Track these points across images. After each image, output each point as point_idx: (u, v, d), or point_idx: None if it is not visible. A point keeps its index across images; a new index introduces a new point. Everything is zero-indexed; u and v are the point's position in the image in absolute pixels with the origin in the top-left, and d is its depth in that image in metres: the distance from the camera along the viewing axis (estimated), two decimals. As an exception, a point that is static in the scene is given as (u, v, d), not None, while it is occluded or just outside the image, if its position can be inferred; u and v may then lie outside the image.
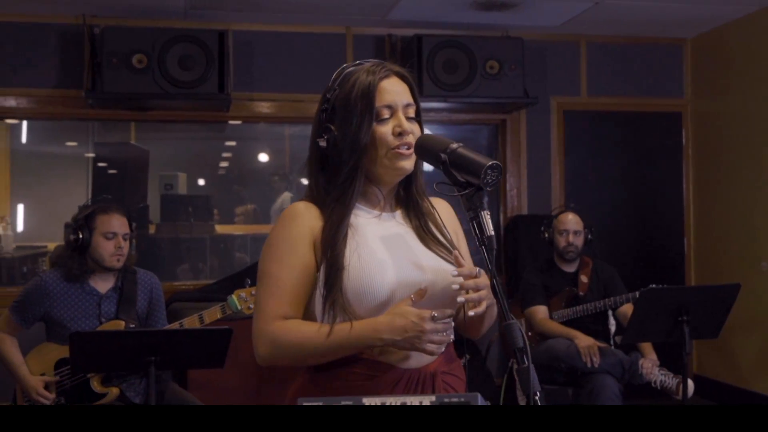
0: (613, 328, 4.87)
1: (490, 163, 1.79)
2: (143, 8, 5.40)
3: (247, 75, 5.75)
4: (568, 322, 4.73)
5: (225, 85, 5.30)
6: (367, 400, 1.29)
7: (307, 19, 5.75)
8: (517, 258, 5.87)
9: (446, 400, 1.28)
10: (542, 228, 5.02)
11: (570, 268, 4.93)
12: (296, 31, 5.83)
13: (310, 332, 1.89)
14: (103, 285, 3.73)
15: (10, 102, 5.54)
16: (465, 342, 2.05)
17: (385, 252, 1.95)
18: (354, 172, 1.97)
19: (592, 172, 6.26)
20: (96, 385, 3.59)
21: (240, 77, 5.71)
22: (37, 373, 3.65)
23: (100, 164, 6.86)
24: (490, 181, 1.80)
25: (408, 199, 2.08)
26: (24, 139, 7.48)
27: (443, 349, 1.91)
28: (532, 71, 5.94)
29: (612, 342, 4.80)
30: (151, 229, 6.62)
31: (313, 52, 5.85)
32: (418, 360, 1.95)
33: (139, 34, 5.26)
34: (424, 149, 1.92)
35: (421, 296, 1.87)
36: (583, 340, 4.52)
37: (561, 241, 4.87)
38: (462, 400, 1.27)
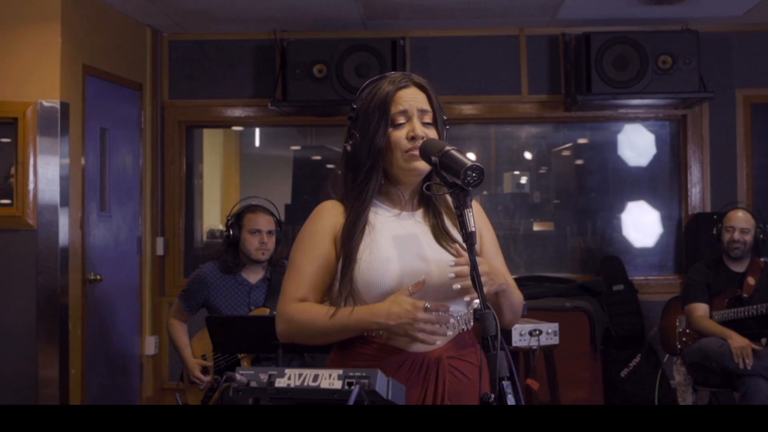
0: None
1: (469, 164, 1.94)
2: (327, 21, 5.83)
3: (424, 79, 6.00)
4: (730, 323, 4.59)
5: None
6: (290, 371, 1.51)
7: (480, 23, 5.92)
8: (697, 258, 5.69)
9: (350, 373, 1.46)
10: (713, 225, 4.93)
11: (738, 268, 4.77)
12: (470, 35, 6.03)
13: (318, 313, 2.11)
14: (253, 276, 4.17)
15: (229, 112, 6.19)
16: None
17: (394, 248, 2.14)
18: (371, 173, 2.17)
19: (784, 168, 5.94)
20: (246, 367, 4.01)
21: (417, 81, 5.98)
22: (198, 354, 4.15)
23: (299, 166, 7.39)
24: (471, 181, 1.94)
25: (428, 199, 2.24)
26: (257, 143, 8.21)
27: (437, 341, 2.05)
28: (713, 64, 5.75)
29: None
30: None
31: (487, 55, 6.02)
32: (425, 345, 2.11)
33: (320, 46, 5.70)
34: (423, 152, 2.09)
35: (419, 287, 2.03)
36: (737, 341, 4.38)
37: (726, 237, 4.74)
38: (364, 374, 1.45)
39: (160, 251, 6.08)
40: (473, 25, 5.96)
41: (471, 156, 2.03)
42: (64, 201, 4.90)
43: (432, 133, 2.19)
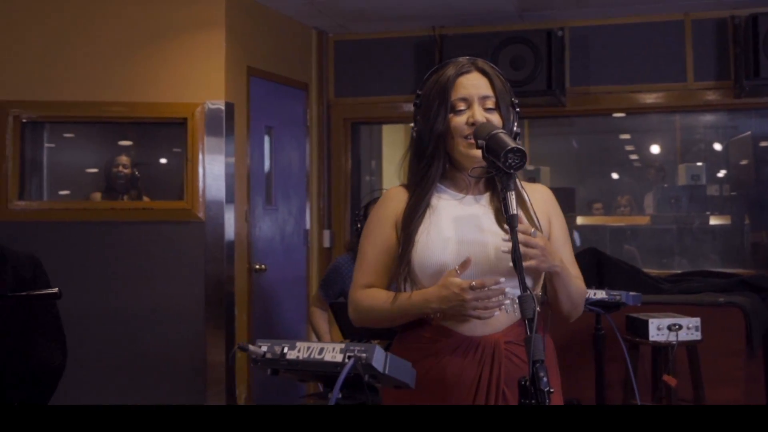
0: None
1: (509, 147, 1.94)
2: (483, 15, 5.85)
3: (584, 69, 5.91)
4: None
5: (553, 81, 5.54)
6: (300, 343, 1.60)
7: (642, 10, 5.74)
8: None
9: (351, 347, 1.54)
10: None
11: None
12: (633, 22, 5.85)
13: (380, 299, 2.20)
14: (385, 268, 4.29)
15: (392, 108, 6.36)
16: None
17: (453, 230, 2.16)
18: (432, 158, 2.21)
19: None
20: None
21: (577, 72, 5.90)
22: (338, 341, 4.33)
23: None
24: (511, 164, 1.94)
25: (495, 183, 2.24)
26: None
27: (494, 313, 2.06)
28: None
29: None
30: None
31: (650, 42, 5.82)
32: (481, 329, 2.12)
33: (475, 40, 5.74)
34: (475, 137, 2.11)
35: (465, 267, 2.04)
36: None
37: None
38: (362, 348, 1.52)
39: (326, 243, 6.33)
40: (635, 12, 5.78)
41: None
42: (230, 196, 5.22)
43: (494, 119, 2.19)
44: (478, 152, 2.13)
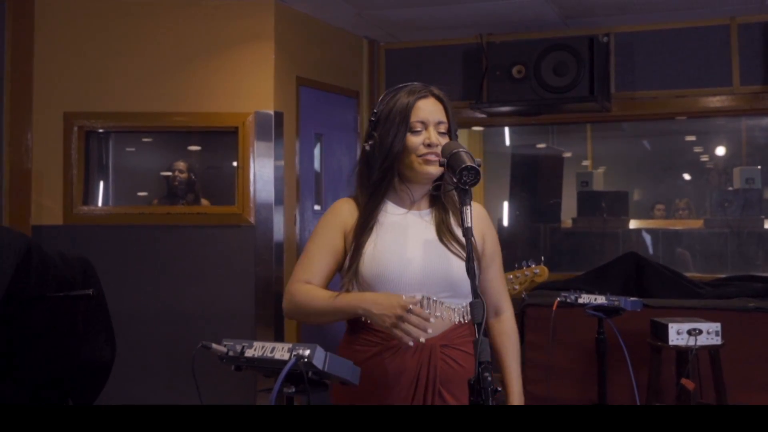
0: None
1: (463, 165, 2.10)
2: (528, 22, 5.95)
3: (629, 75, 5.95)
4: None
5: (596, 87, 5.60)
6: (257, 343, 1.79)
7: (687, 15, 5.75)
8: None
9: (297, 347, 1.72)
10: None
11: None
12: (678, 27, 5.87)
13: (316, 295, 2.38)
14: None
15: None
16: None
17: (395, 242, 2.38)
18: (386, 173, 2.42)
19: None
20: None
21: (622, 77, 5.95)
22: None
23: (517, 164, 7.51)
24: (467, 181, 2.10)
25: (436, 199, 2.49)
26: (507, 142, 8.47)
27: (408, 342, 2.19)
28: None
29: None
30: (566, 224, 7.12)
31: (695, 47, 5.83)
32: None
33: (519, 47, 5.84)
34: (441, 155, 2.28)
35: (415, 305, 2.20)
36: None
37: None
38: (306, 348, 1.71)
39: (377, 246, 6.50)
40: (680, 18, 5.80)
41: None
42: (279, 200, 5.46)
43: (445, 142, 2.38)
44: (430, 168, 2.38)
